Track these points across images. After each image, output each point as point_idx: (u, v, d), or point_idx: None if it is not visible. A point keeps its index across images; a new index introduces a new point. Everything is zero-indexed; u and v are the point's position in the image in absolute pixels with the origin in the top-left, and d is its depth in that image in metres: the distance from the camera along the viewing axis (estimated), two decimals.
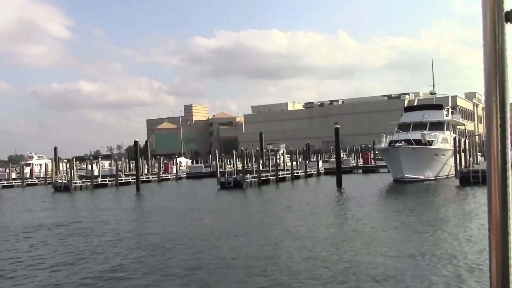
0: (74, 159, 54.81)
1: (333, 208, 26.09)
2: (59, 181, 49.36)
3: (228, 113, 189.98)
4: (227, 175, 42.17)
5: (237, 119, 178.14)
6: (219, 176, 42.24)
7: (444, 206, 25.18)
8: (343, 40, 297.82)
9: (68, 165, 68.09)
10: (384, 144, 39.23)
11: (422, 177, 37.99)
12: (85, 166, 72.53)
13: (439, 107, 44.22)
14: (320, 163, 60.14)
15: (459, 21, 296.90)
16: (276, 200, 31.89)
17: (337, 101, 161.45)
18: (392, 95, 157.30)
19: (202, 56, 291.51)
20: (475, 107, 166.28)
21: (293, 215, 22.93)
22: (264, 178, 44.25)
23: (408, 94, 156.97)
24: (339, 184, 37.63)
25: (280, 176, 47.18)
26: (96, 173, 57.33)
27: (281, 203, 29.66)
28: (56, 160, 70.22)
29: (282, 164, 54.60)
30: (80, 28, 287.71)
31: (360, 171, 59.29)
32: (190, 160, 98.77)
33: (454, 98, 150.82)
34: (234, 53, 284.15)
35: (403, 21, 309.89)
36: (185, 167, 77.51)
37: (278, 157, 59.75)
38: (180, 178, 61.22)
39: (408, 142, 37.47)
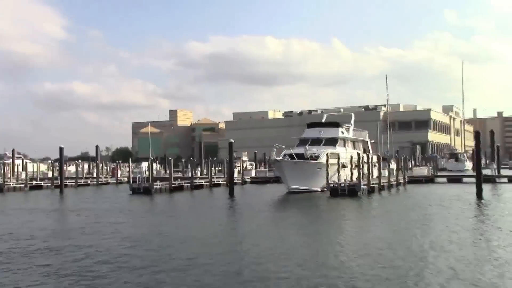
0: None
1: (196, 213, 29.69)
2: None
3: (212, 119, 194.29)
4: (138, 181, 45.96)
5: (220, 125, 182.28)
6: (131, 182, 46.14)
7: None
8: (338, 48, 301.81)
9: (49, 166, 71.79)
10: (274, 157, 42.73)
11: (308, 188, 41.37)
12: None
13: (336, 125, 47.84)
14: (253, 173, 64.87)
15: (453, 34, 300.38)
16: (158, 206, 35.58)
17: (316, 110, 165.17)
18: (369, 107, 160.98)
19: (196, 60, 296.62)
20: (451, 120, 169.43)
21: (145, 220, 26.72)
22: (176, 185, 47.99)
23: (384, 106, 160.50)
24: (231, 194, 41.18)
25: (196, 184, 50.84)
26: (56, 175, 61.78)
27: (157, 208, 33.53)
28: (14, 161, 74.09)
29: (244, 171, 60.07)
30: (76, 29, 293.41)
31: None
32: (159, 165, 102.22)
33: (427, 111, 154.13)
34: (228, 58, 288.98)
35: (396, 32, 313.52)
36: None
37: (239, 165, 65.36)
38: (121, 183, 64.50)
39: (291, 156, 41.15)
